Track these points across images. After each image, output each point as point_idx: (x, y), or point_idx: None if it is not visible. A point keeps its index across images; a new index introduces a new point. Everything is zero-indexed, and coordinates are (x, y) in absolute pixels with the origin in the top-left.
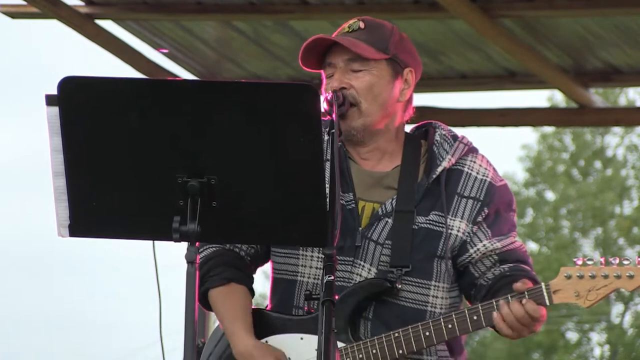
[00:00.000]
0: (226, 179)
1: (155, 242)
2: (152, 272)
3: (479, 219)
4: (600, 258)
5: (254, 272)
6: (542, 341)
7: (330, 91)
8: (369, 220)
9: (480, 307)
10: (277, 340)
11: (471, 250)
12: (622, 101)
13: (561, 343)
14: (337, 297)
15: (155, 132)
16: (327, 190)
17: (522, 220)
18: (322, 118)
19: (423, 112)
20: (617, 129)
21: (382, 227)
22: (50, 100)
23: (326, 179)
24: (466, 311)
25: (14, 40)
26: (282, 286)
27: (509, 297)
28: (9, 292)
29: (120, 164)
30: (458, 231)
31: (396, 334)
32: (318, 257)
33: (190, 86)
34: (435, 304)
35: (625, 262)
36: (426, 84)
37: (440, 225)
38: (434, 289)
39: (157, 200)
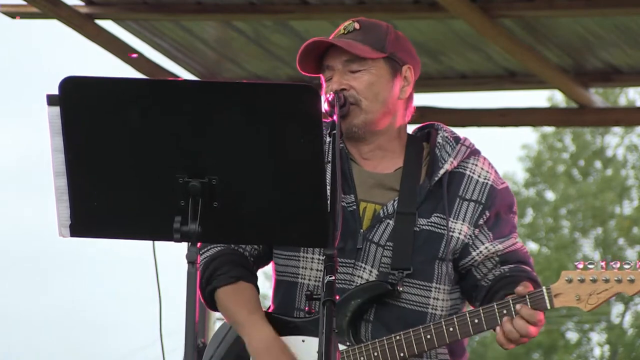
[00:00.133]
0: (227, 179)
1: (156, 242)
2: (152, 272)
3: (481, 221)
4: (601, 261)
5: (256, 272)
6: (542, 341)
7: (331, 92)
8: (371, 222)
9: (481, 311)
10: None
11: (473, 253)
12: (622, 101)
13: (561, 343)
14: (338, 298)
15: (156, 132)
16: (328, 191)
17: (522, 220)
18: (324, 120)
19: (423, 112)
20: (617, 129)
21: (383, 228)
22: (51, 100)
23: (327, 179)
24: (467, 314)
25: (14, 40)
26: (283, 288)
27: (510, 301)
28: (9, 292)
29: (121, 164)
30: (459, 234)
31: (397, 337)
32: (319, 259)
33: (190, 86)
34: (436, 306)
35: (626, 266)
36: (426, 84)
37: (442, 227)
38: (435, 291)
39: (158, 200)
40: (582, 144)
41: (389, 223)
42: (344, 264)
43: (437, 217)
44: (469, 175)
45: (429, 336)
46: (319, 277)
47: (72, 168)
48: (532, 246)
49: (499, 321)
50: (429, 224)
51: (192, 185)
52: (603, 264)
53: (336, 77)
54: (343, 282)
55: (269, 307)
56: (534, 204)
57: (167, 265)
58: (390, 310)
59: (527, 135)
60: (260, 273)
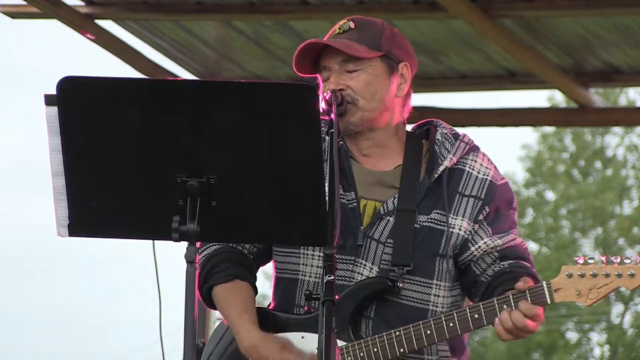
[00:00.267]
0: (226, 178)
1: (155, 241)
2: (152, 272)
3: (480, 217)
4: (601, 256)
5: (257, 270)
6: (542, 341)
7: (328, 91)
8: (371, 219)
9: (481, 306)
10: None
11: (472, 248)
12: (622, 101)
13: (561, 343)
14: (337, 297)
15: (154, 132)
16: (327, 190)
17: (522, 220)
18: (322, 118)
19: (423, 112)
20: (617, 129)
21: (383, 225)
22: (49, 100)
23: (326, 178)
24: (467, 310)
25: (14, 41)
26: (283, 285)
27: (510, 296)
28: (9, 292)
29: (119, 163)
30: (460, 229)
31: (397, 333)
32: (319, 256)
33: (189, 86)
34: (437, 302)
35: (627, 261)
36: (426, 84)
37: (442, 223)
38: (436, 288)
39: (157, 199)
40: (582, 144)
41: (389, 220)
42: (344, 261)
43: (437, 213)
44: (469, 172)
45: (428, 332)
46: (319, 274)
47: (71, 168)
48: (532, 246)
49: (499, 316)
50: (429, 220)
51: (191, 184)
52: (603, 258)
53: (333, 77)
54: (343, 278)
55: (269, 304)
56: (534, 204)
57: (167, 265)
58: (391, 307)
59: (527, 135)
60: (260, 273)
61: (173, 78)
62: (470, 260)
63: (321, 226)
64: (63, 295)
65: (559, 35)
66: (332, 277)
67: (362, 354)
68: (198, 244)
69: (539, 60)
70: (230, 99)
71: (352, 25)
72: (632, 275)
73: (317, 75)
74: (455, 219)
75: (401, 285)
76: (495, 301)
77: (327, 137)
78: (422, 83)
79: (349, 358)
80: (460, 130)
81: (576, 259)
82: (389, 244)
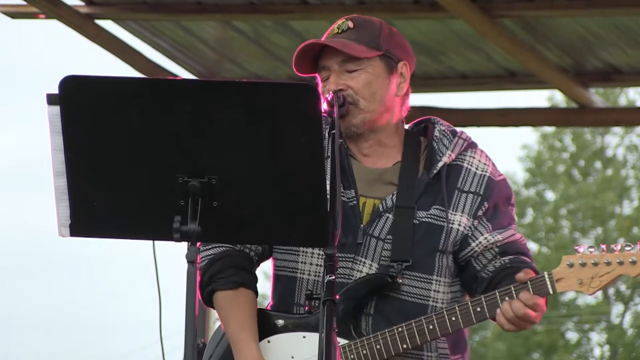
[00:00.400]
0: (227, 178)
1: (155, 242)
2: (152, 273)
3: (480, 213)
4: (602, 245)
5: (257, 267)
6: (542, 341)
7: (330, 92)
8: (370, 216)
9: (483, 299)
10: (279, 340)
11: (473, 244)
12: (622, 101)
13: (561, 343)
14: (337, 297)
15: (155, 132)
16: (328, 190)
17: (522, 220)
18: (324, 115)
19: (423, 112)
20: (617, 129)
21: (383, 223)
22: (51, 99)
23: (327, 178)
24: (469, 303)
25: (14, 41)
26: (282, 283)
27: (512, 288)
28: (9, 292)
29: (121, 163)
30: (459, 225)
31: (400, 329)
32: (318, 254)
33: (190, 85)
34: (437, 298)
35: (627, 248)
36: (426, 84)
37: (442, 219)
38: (436, 284)
39: (158, 200)
40: (582, 144)
41: (388, 217)
42: (343, 259)
43: (437, 209)
44: (467, 168)
45: (431, 326)
46: (319, 272)
47: (72, 167)
48: (532, 246)
49: (500, 308)
50: (429, 216)
51: (192, 184)
52: (604, 247)
53: (333, 77)
54: (342, 276)
55: (269, 304)
56: (534, 204)
57: (167, 266)
58: (391, 303)
59: (527, 135)
60: (260, 274)
61: (173, 78)
62: (471, 256)
63: (322, 226)
64: (63, 295)
65: (559, 35)
66: (333, 277)
67: (364, 352)
68: (199, 244)
69: (539, 60)
70: (231, 98)
71: (350, 24)
72: (633, 263)
73: (316, 74)
74: (455, 214)
75: (400, 280)
76: (497, 293)
77: (328, 137)
78: (422, 83)
79: (352, 356)
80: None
81: (577, 248)
82: (388, 241)
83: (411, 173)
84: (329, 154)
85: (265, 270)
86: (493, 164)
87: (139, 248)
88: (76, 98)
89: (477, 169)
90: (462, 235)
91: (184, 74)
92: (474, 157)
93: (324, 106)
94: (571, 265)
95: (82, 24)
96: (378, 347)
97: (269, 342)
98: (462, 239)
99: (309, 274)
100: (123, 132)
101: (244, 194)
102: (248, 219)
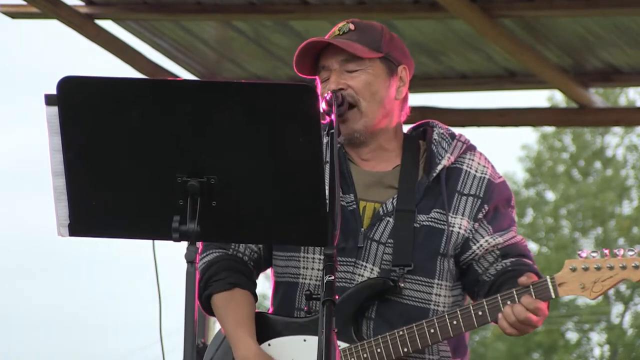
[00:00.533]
0: (226, 178)
1: (155, 241)
2: (151, 273)
3: (480, 215)
4: (604, 249)
5: (257, 277)
6: (542, 341)
7: (329, 91)
8: (371, 220)
9: (485, 303)
10: (280, 343)
11: (474, 247)
12: (622, 101)
13: (561, 343)
14: (338, 297)
15: (155, 132)
16: (327, 191)
17: (522, 220)
18: (322, 122)
19: (423, 112)
20: (617, 129)
21: (383, 226)
22: (49, 99)
23: (326, 179)
24: (471, 307)
25: (14, 40)
26: (283, 289)
27: (514, 292)
28: (9, 292)
29: (120, 163)
30: (460, 228)
31: (401, 332)
32: (319, 259)
33: (190, 86)
34: (438, 302)
35: (630, 253)
36: (426, 84)
37: (442, 222)
38: (437, 287)
39: (157, 199)
40: (582, 144)
41: (389, 221)
42: (344, 263)
43: (437, 212)
44: (466, 171)
45: (432, 330)
46: (320, 277)
47: (71, 168)
48: (532, 246)
49: (502, 312)
50: (429, 219)
51: (191, 184)
52: (607, 251)
53: (333, 77)
54: (344, 280)
55: (269, 309)
56: (534, 204)
57: (167, 266)
58: (392, 307)
59: (527, 135)
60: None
61: (173, 78)
62: (472, 259)
63: (321, 226)
64: (63, 295)
65: (559, 35)
66: (333, 277)
67: (365, 355)
68: (199, 245)
69: (539, 60)
70: (231, 99)
71: (352, 27)
72: (636, 267)
73: (316, 76)
74: (455, 217)
75: (402, 285)
76: (499, 297)
77: (327, 138)
78: (422, 83)
79: (352, 359)
80: (460, 130)
81: (579, 252)
82: (389, 245)
83: (411, 177)
84: (327, 159)
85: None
86: (492, 166)
87: (139, 248)
88: (74, 99)
89: (476, 171)
90: (463, 238)
91: (184, 74)
92: (473, 160)
93: (323, 105)
94: (574, 270)
95: (82, 24)
96: (379, 350)
97: (269, 345)
98: (463, 242)
99: (310, 279)
100: (122, 132)
101: (244, 194)
102: (247, 219)
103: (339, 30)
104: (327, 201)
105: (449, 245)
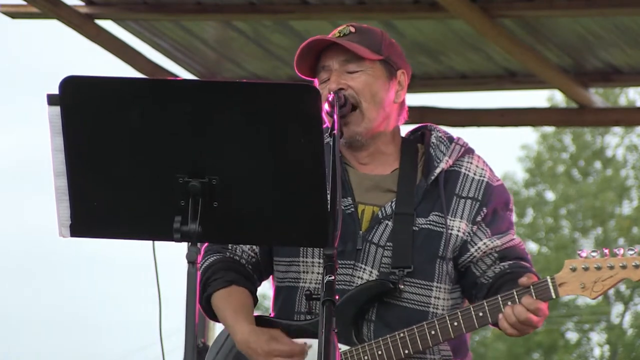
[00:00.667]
0: (227, 179)
1: (155, 242)
2: (152, 273)
3: (478, 218)
4: (604, 249)
5: (259, 283)
6: (542, 341)
7: (331, 92)
8: (369, 223)
9: (485, 304)
10: None
11: (472, 250)
12: (622, 101)
13: (561, 343)
14: (337, 298)
15: (156, 132)
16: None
17: (522, 220)
18: (323, 125)
19: (423, 112)
20: (617, 129)
21: (382, 229)
22: (52, 99)
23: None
24: (472, 308)
25: (14, 41)
26: (284, 293)
27: (515, 292)
28: (9, 292)
29: (121, 163)
30: (458, 231)
31: (401, 334)
32: (319, 263)
33: (190, 86)
34: (438, 305)
35: (630, 252)
36: (426, 84)
37: (441, 225)
38: (436, 290)
39: (158, 200)
40: (582, 144)
41: (387, 224)
42: (343, 265)
43: (436, 215)
44: (465, 173)
45: (433, 332)
46: (320, 280)
47: (73, 168)
48: (532, 246)
49: (503, 312)
50: (428, 222)
51: (192, 185)
52: (607, 251)
53: (334, 77)
54: (343, 283)
55: (270, 314)
56: (534, 204)
57: (167, 266)
58: (392, 310)
59: (527, 135)
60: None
61: (173, 78)
62: (470, 261)
63: (322, 227)
64: (63, 295)
65: (559, 35)
66: (333, 277)
67: (366, 357)
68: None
69: (539, 60)
70: (231, 99)
71: (352, 29)
72: (636, 267)
73: (314, 78)
74: (454, 220)
75: (402, 287)
76: (500, 298)
77: (328, 139)
78: (422, 83)
79: None
80: (460, 130)
81: (579, 252)
82: (388, 247)
83: (409, 180)
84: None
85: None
86: (490, 169)
87: (139, 248)
88: (76, 98)
89: (474, 174)
90: (462, 241)
91: (184, 74)
92: (471, 163)
93: (325, 106)
94: (574, 270)
95: (82, 24)
96: (379, 352)
97: None
98: (462, 244)
99: (310, 282)
100: (123, 132)
101: (244, 194)
102: (248, 219)
103: (339, 32)
104: (328, 201)
105: (448, 248)
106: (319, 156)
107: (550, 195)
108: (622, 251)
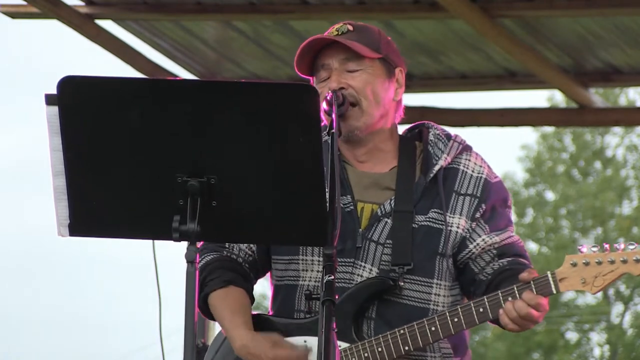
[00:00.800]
0: (226, 178)
1: (155, 242)
2: (151, 273)
3: (477, 215)
4: (604, 244)
5: (255, 281)
6: (542, 341)
7: (329, 91)
8: (369, 221)
9: (486, 299)
10: None
11: (471, 246)
12: (622, 101)
13: (561, 343)
14: (337, 297)
15: (155, 132)
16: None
17: (522, 220)
18: (322, 123)
19: (423, 112)
20: (617, 129)
21: (382, 227)
22: (50, 99)
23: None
24: (472, 304)
25: (14, 41)
26: (283, 292)
27: (515, 288)
28: (9, 292)
29: (120, 163)
30: (458, 228)
31: (402, 331)
32: (318, 261)
33: (190, 86)
34: (438, 302)
35: (631, 247)
36: (426, 84)
37: (440, 222)
38: (436, 287)
39: (157, 199)
40: (582, 144)
41: (387, 222)
42: (343, 264)
43: (435, 212)
44: (463, 171)
45: (433, 328)
46: (319, 279)
47: (71, 167)
48: (532, 246)
49: (503, 308)
50: (427, 219)
51: (191, 184)
52: (607, 246)
53: (334, 75)
54: (343, 281)
55: (268, 312)
56: (534, 204)
57: (167, 266)
58: (392, 307)
59: (527, 136)
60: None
61: (173, 78)
62: (469, 258)
63: (321, 226)
64: (63, 295)
65: (559, 35)
66: (332, 277)
67: (366, 355)
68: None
69: (539, 60)
70: (231, 99)
71: (350, 27)
72: (637, 261)
73: (310, 77)
74: (453, 217)
75: (402, 284)
76: (500, 294)
77: (326, 138)
78: (422, 83)
79: (353, 359)
80: (460, 130)
81: (579, 247)
82: (388, 245)
83: (408, 177)
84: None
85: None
86: (488, 166)
87: (139, 248)
88: (74, 98)
89: (473, 171)
90: (461, 237)
91: (184, 74)
92: (469, 160)
93: (323, 105)
94: (574, 265)
95: (82, 24)
96: (380, 349)
97: None
98: (461, 241)
99: (309, 280)
100: (122, 132)
101: (244, 194)
102: (247, 219)
103: (337, 30)
104: (327, 201)
105: (448, 245)
106: (318, 156)
107: (550, 195)
108: (622, 246)
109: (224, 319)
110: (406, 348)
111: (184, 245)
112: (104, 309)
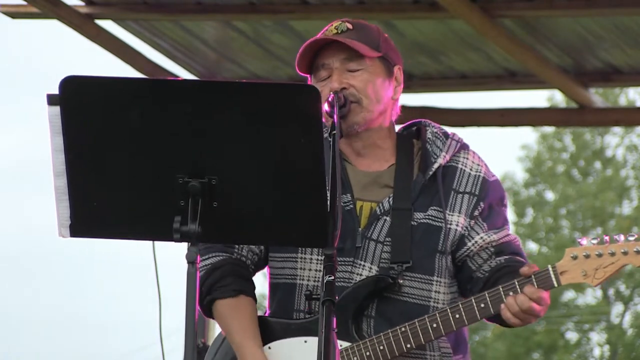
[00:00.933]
0: (227, 179)
1: (155, 242)
2: (152, 273)
3: (476, 213)
4: (605, 236)
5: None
6: (542, 341)
7: (331, 92)
8: (368, 219)
9: (487, 295)
10: (280, 345)
11: (469, 244)
12: (622, 101)
13: (561, 343)
14: (337, 298)
15: (155, 132)
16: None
17: (522, 220)
18: (324, 122)
19: (423, 112)
20: (617, 129)
21: (381, 225)
22: (51, 99)
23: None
24: (473, 300)
25: (14, 41)
26: (281, 291)
27: (516, 282)
28: (9, 292)
29: (121, 163)
30: (457, 225)
31: (403, 328)
32: (317, 260)
33: (190, 86)
34: (438, 299)
35: (631, 238)
36: (426, 84)
37: (439, 220)
38: (436, 285)
39: (158, 200)
40: (582, 144)
41: (386, 220)
42: (342, 263)
43: (434, 210)
44: (461, 169)
45: (435, 325)
46: (318, 278)
47: (72, 168)
48: (532, 246)
49: (505, 302)
50: (426, 217)
51: (192, 185)
52: (607, 238)
53: (335, 75)
54: (342, 280)
55: (265, 312)
56: (533, 204)
57: (167, 266)
58: (392, 305)
59: (527, 135)
60: (258, 273)
61: (173, 78)
62: (467, 255)
63: (322, 227)
64: (63, 295)
65: (559, 35)
66: (333, 277)
67: (367, 353)
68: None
69: (539, 60)
70: (231, 99)
71: (349, 26)
72: (638, 252)
73: (308, 75)
74: (452, 215)
75: (402, 282)
76: (501, 288)
77: (329, 139)
78: (422, 83)
79: (355, 358)
80: (460, 130)
81: (579, 240)
82: (387, 243)
83: (406, 175)
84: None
85: (263, 271)
86: (486, 164)
87: (139, 248)
88: (76, 98)
89: (471, 169)
90: (460, 235)
91: (184, 74)
92: (467, 158)
93: (325, 107)
94: (575, 258)
95: (82, 24)
96: (381, 347)
97: (270, 348)
98: (459, 238)
99: (308, 280)
100: (123, 132)
101: (244, 194)
102: (248, 219)
103: (336, 29)
104: (328, 201)
105: (447, 243)
106: (319, 156)
107: (550, 195)
108: (622, 237)
109: (234, 333)
110: (408, 345)
111: (183, 245)
112: (104, 309)
